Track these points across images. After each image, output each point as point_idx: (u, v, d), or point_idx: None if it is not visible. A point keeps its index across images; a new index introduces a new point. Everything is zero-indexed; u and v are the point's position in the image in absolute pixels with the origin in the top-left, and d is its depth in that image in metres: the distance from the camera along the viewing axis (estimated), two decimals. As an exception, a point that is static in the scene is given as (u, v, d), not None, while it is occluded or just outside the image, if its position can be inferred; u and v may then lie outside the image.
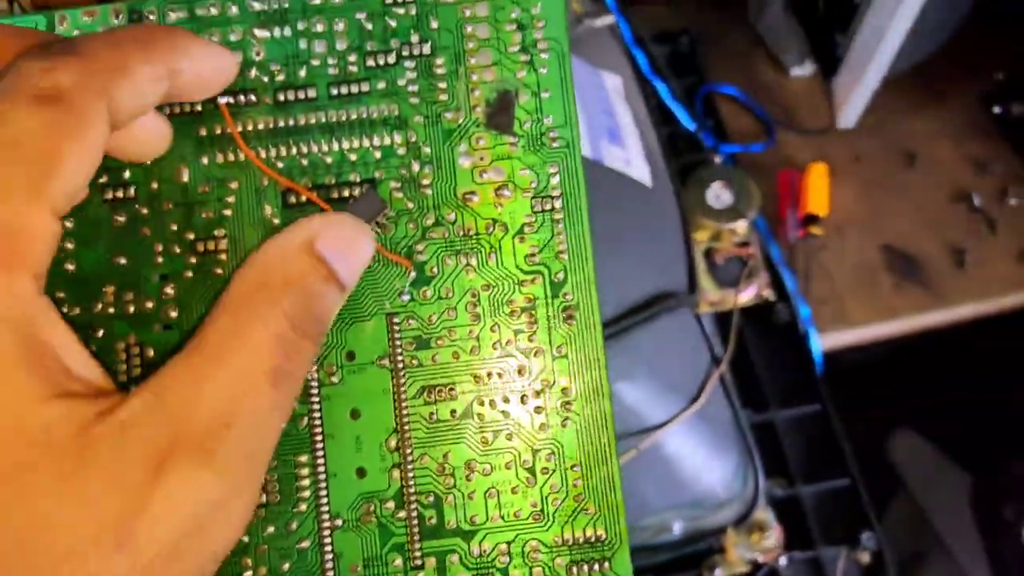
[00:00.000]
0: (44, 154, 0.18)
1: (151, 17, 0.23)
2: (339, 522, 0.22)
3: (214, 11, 0.23)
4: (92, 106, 0.18)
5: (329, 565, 0.21)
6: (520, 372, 0.22)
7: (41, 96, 0.18)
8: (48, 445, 0.17)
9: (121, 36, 0.20)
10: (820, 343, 0.59)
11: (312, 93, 0.23)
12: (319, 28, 0.23)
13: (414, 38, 0.23)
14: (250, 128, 0.23)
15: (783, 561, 0.47)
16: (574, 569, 0.22)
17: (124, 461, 0.17)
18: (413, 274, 0.22)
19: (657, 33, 0.68)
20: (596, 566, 0.22)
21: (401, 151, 0.23)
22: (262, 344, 0.19)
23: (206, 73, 0.21)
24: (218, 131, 0.23)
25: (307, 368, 0.20)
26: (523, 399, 0.22)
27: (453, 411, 0.22)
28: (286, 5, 0.23)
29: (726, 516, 0.45)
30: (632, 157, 0.46)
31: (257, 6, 0.23)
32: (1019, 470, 0.63)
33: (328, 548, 0.21)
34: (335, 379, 0.22)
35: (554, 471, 0.22)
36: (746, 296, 0.56)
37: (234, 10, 0.23)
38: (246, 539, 0.21)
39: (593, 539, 0.22)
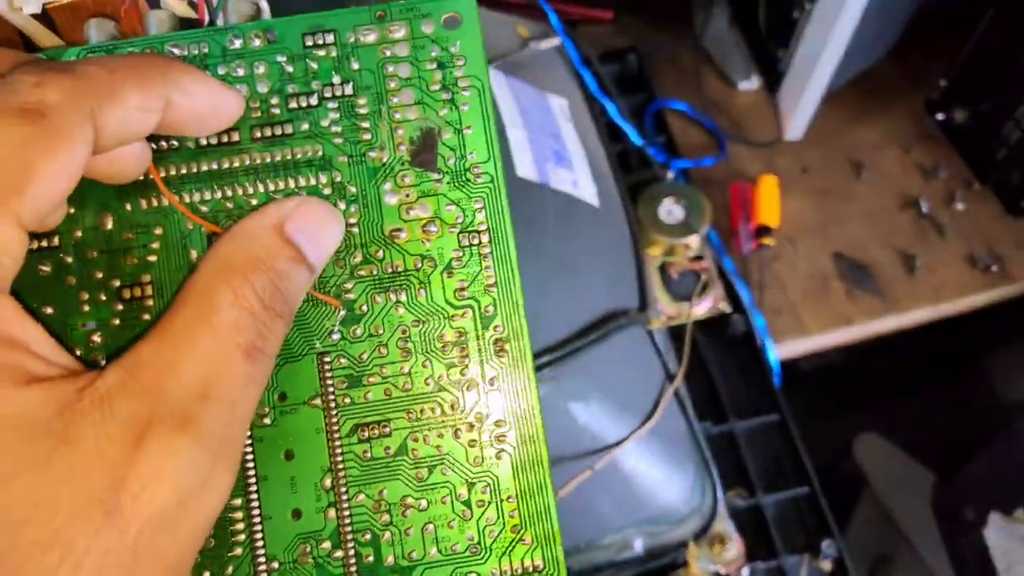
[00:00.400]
0: (17, 167, 0.18)
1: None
2: (275, 564, 0.21)
3: (136, 57, 0.23)
4: (75, 125, 0.18)
5: (266, 609, 0.21)
6: (453, 407, 0.22)
7: (26, 110, 0.18)
8: (29, 427, 0.17)
9: (118, 62, 0.20)
10: (777, 352, 0.60)
11: (235, 136, 0.23)
12: (240, 72, 0.23)
13: (335, 79, 0.23)
14: (173, 173, 0.23)
15: (745, 572, 0.47)
16: None
17: (106, 435, 0.17)
18: (343, 313, 0.22)
19: (604, 52, 0.69)
20: (535, 596, 0.22)
21: (327, 191, 0.23)
22: (235, 319, 0.19)
23: (202, 109, 0.21)
24: (141, 177, 0.23)
25: (278, 346, 0.20)
26: (456, 433, 0.22)
27: (387, 448, 0.22)
28: (206, 50, 0.23)
29: (687, 530, 0.46)
30: (579, 178, 0.47)
31: (177, 52, 0.23)
32: (978, 470, 0.64)
33: (264, 592, 0.21)
34: (267, 420, 0.22)
35: (490, 503, 0.22)
36: (701, 309, 0.57)
37: (156, 56, 0.23)
38: (180, 586, 0.21)
39: (531, 569, 0.22)
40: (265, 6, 0.26)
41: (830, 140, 0.69)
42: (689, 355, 0.50)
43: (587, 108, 0.56)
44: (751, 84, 0.71)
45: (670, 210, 0.57)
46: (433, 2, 0.23)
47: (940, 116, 0.68)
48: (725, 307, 0.57)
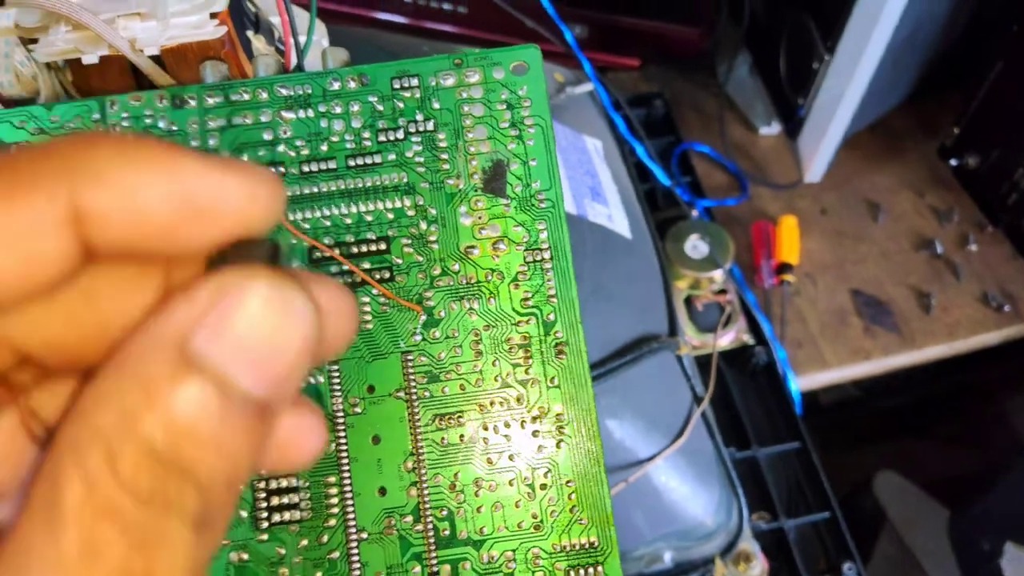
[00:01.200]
0: None
1: (191, 102, 0.27)
2: (364, 535, 0.25)
3: (246, 96, 0.27)
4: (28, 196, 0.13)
5: (356, 573, 0.24)
6: (519, 400, 0.26)
7: None
8: None
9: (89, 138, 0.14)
10: (797, 384, 0.62)
11: (333, 164, 0.26)
12: (337, 110, 0.27)
13: (419, 116, 0.27)
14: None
15: (769, 590, 0.49)
16: (572, 573, 0.25)
17: None
18: (423, 317, 0.26)
19: (633, 97, 0.74)
20: (591, 570, 0.25)
21: (411, 213, 0.26)
22: (87, 538, 0.12)
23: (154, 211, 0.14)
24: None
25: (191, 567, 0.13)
26: (522, 424, 0.25)
27: (461, 436, 0.25)
28: (309, 90, 0.27)
29: (713, 546, 0.48)
30: (613, 213, 0.50)
31: (284, 92, 0.27)
32: (993, 503, 0.66)
33: (355, 558, 0.24)
34: (358, 409, 0.25)
35: (551, 486, 0.25)
36: (725, 340, 0.60)
37: (264, 95, 0.27)
38: (282, 551, 0.24)
39: (587, 545, 0.25)
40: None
41: (847, 183, 0.72)
42: (715, 381, 0.53)
43: (618, 149, 0.60)
44: (772, 129, 0.74)
45: (695, 246, 0.61)
46: (504, 52, 0.27)
47: (953, 162, 0.71)
48: (748, 339, 0.61)
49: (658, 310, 0.50)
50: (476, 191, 0.27)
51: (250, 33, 0.34)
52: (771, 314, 0.65)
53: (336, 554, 0.24)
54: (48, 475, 0.13)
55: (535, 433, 0.25)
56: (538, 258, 0.26)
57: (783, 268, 0.66)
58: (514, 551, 0.25)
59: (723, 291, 0.61)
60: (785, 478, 0.58)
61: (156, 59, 0.31)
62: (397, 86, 0.27)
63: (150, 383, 0.13)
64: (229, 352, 0.14)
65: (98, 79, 0.31)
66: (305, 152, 0.27)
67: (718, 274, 0.60)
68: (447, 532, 0.25)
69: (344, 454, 0.25)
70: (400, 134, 0.27)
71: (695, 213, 0.65)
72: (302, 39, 0.32)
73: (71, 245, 0.14)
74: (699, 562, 0.48)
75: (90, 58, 0.28)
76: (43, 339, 0.15)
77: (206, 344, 0.13)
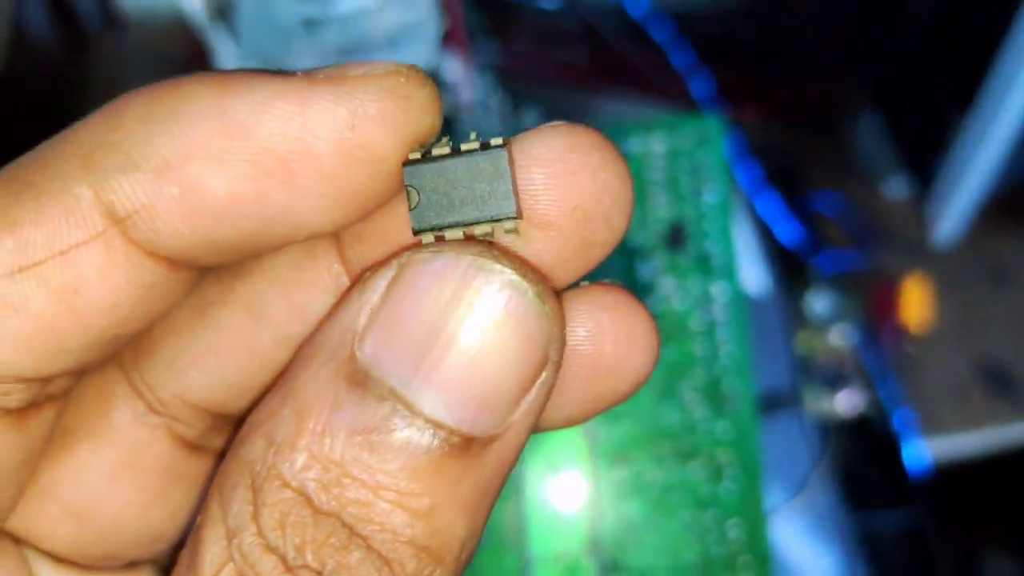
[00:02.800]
0: None
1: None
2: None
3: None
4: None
5: None
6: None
7: None
8: None
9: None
10: (914, 451, 0.61)
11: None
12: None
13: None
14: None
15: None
16: None
17: None
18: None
19: (757, 150, 0.74)
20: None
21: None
22: None
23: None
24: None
25: None
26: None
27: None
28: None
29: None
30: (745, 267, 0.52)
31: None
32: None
33: None
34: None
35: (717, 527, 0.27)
36: (843, 403, 0.60)
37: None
38: None
39: None
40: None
41: (974, 249, 0.71)
42: (835, 441, 0.53)
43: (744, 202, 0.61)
44: (898, 189, 0.74)
45: (815, 305, 0.61)
46: (690, 122, 0.29)
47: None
48: (865, 402, 0.60)
49: (783, 366, 0.50)
50: (657, 248, 0.28)
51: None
52: (890, 378, 0.64)
53: None
54: (197, 521, 0.11)
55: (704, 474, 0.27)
56: (711, 314, 0.28)
57: (904, 332, 0.65)
58: None
59: (842, 352, 0.61)
60: (897, 548, 0.58)
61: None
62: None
63: (303, 404, 0.10)
64: (407, 361, 0.10)
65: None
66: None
67: (839, 334, 0.60)
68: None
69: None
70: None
71: (817, 271, 0.65)
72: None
73: (120, 256, 0.11)
74: (811, 622, 0.48)
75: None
76: (224, 386, 0.13)
77: (376, 351, 0.10)
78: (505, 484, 0.11)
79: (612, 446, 0.27)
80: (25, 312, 0.11)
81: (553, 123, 0.13)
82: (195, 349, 0.13)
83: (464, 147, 0.13)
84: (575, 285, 0.14)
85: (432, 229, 0.12)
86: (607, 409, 0.14)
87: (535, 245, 0.13)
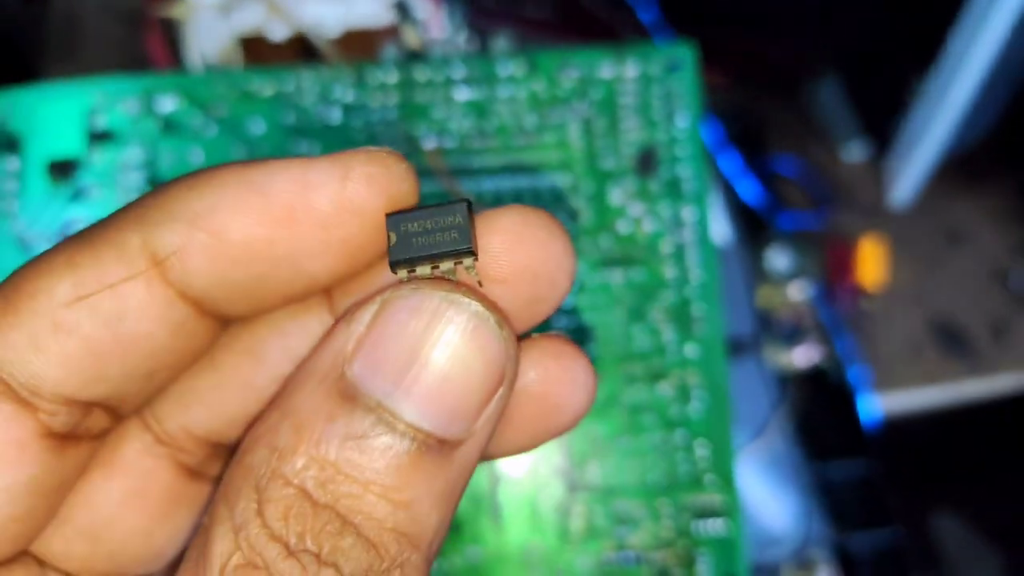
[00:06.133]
0: None
1: (370, 79, 0.29)
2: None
3: (423, 76, 0.29)
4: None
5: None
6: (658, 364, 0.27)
7: None
8: None
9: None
10: (868, 405, 0.63)
11: (494, 143, 0.29)
12: (505, 94, 0.29)
13: (579, 103, 0.29)
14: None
15: (833, 600, 0.50)
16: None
17: None
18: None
19: (721, 111, 0.75)
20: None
21: (567, 188, 0.28)
22: None
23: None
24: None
25: None
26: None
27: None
28: (479, 72, 0.29)
29: (782, 551, 0.49)
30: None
31: (458, 74, 0.29)
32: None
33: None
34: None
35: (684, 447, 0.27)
36: (800, 356, 0.61)
37: (439, 76, 0.29)
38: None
39: (714, 503, 0.27)
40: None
41: (929, 211, 0.73)
42: (793, 391, 0.54)
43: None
44: (857, 152, 0.75)
45: (775, 262, 0.62)
46: (660, 49, 0.29)
47: (1037, 198, 0.71)
48: (822, 356, 0.62)
49: (744, 316, 0.51)
50: (627, 173, 0.28)
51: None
52: (846, 334, 0.66)
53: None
54: (204, 523, 0.13)
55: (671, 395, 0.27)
56: (681, 239, 0.28)
57: (859, 290, 0.66)
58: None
59: (800, 308, 0.62)
60: (852, 497, 0.59)
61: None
62: (560, 73, 0.29)
63: (301, 417, 0.12)
64: (389, 378, 0.12)
65: (272, 55, 0.33)
66: (472, 128, 0.29)
67: (795, 291, 0.61)
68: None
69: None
70: (560, 117, 0.29)
71: (776, 230, 0.66)
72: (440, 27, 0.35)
73: (158, 293, 0.14)
74: (767, 566, 0.49)
75: (277, 35, 0.30)
76: (224, 419, 0.16)
77: (363, 371, 0.12)
78: (468, 484, 0.14)
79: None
80: (77, 335, 0.13)
81: (512, 205, 0.16)
82: (201, 387, 0.16)
83: (436, 204, 0.16)
84: (527, 335, 0.16)
85: (406, 262, 0.15)
86: (551, 439, 0.17)
87: (493, 297, 0.15)
